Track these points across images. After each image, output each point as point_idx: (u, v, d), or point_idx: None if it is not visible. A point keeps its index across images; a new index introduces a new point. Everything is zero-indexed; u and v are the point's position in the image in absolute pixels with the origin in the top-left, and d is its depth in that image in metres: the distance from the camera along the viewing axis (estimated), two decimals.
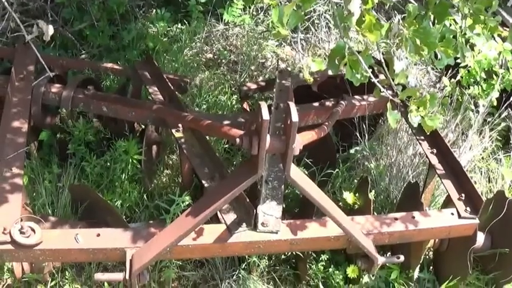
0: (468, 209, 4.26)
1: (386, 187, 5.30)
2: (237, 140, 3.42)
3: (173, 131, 4.67)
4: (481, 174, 5.71)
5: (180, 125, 4.66)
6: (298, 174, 3.67)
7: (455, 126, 5.69)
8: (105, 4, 6.86)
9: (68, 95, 4.97)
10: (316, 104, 5.18)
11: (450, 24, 3.70)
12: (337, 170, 5.32)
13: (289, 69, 6.82)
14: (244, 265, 4.70)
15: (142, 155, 4.96)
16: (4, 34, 6.15)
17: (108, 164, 5.06)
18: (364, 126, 5.34)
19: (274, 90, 5.08)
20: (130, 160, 4.97)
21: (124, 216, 4.72)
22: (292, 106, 3.26)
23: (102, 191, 4.98)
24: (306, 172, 5.03)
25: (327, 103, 5.17)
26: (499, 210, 4.42)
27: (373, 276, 4.60)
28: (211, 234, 3.87)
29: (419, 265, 4.72)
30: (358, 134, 5.42)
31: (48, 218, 4.32)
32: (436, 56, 3.64)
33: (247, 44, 7.23)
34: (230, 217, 3.97)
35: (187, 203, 4.45)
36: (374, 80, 3.54)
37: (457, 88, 5.94)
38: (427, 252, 4.84)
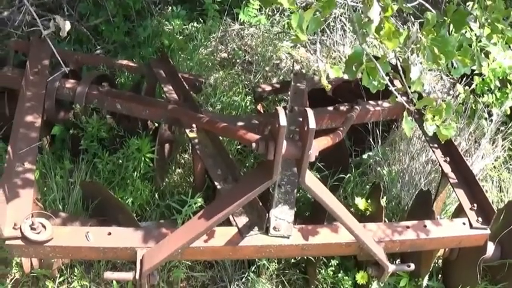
0: (480, 219, 4.23)
1: (398, 194, 5.28)
2: (253, 144, 3.41)
3: (187, 131, 4.67)
4: (493, 183, 5.70)
5: (194, 126, 4.65)
6: (312, 181, 3.66)
7: (468, 134, 5.66)
8: (121, 0, 6.85)
9: (82, 91, 4.97)
10: (330, 108, 5.17)
11: (466, 32, 3.69)
12: (349, 174, 5.31)
13: (304, 71, 6.80)
14: (253, 268, 4.70)
15: (155, 153, 4.95)
16: (20, 27, 6.14)
17: (121, 161, 5.06)
18: (377, 131, 5.32)
19: (289, 93, 5.07)
20: (143, 158, 4.97)
21: (135, 215, 4.72)
22: (310, 112, 3.25)
23: (114, 189, 4.98)
24: (318, 176, 5.01)
25: (342, 108, 5.14)
26: (510, 220, 4.42)
27: (382, 283, 4.58)
28: (222, 237, 3.86)
29: (428, 273, 4.70)
30: (371, 139, 5.40)
31: (59, 213, 4.32)
32: (452, 64, 3.62)
33: (262, 44, 7.21)
34: (242, 220, 3.96)
35: (199, 204, 4.44)
36: (391, 87, 3.53)
37: (471, 96, 5.91)
38: (436, 261, 4.82)
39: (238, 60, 7.05)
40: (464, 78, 5.89)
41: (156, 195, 5.04)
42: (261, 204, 4.02)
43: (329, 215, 3.93)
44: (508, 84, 5.96)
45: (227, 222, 3.96)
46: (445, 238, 4.22)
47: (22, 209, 3.75)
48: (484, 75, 5.93)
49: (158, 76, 5.36)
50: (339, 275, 4.67)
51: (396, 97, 3.67)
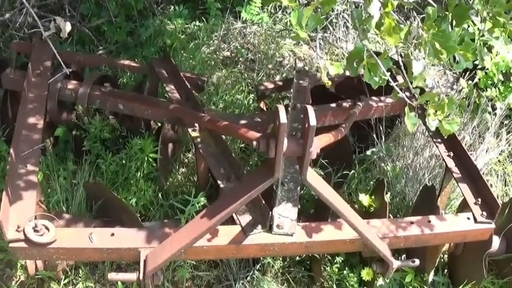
0: (484, 213, 4.21)
1: (402, 189, 5.27)
2: (254, 142, 3.40)
3: (189, 130, 4.66)
4: (497, 177, 5.68)
5: (196, 125, 4.64)
6: (314, 178, 3.64)
7: (472, 128, 5.65)
8: (123, 0, 6.85)
9: (84, 92, 4.97)
10: (333, 104, 5.14)
11: (468, 26, 3.67)
12: (353, 171, 5.31)
13: (307, 68, 6.79)
14: (258, 266, 4.69)
15: (158, 153, 4.94)
16: (21, 29, 6.14)
17: (124, 161, 5.05)
18: (380, 127, 5.31)
19: (292, 90, 5.06)
20: (146, 158, 4.96)
21: (138, 215, 4.71)
22: (310, 109, 3.23)
23: (117, 189, 4.98)
24: (322, 173, 5.00)
25: (344, 104, 5.11)
26: None
27: (387, 279, 4.57)
28: (226, 236, 3.85)
29: (434, 268, 4.70)
30: (374, 135, 5.39)
31: (63, 215, 4.32)
32: (454, 59, 3.61)
33: (264, 42, 7.21)
34: (245, 218, 3.94)
35: (202, 203, 4.44)
36: (392, 83, 3.51)
37: (475, 90, 5.90)
38: (441, 256, 4.81)
39: (240, 59, 7.05)
40: (468, 72, 5.88)
41: (160, 195, 5.04)
42: (264, 202, 4.00)
43: (333, 212, 3.92)
44: (511, 77, 5.94)
45: (230, 221, 3.96)
46: (450, 233, 4.20)
47: (25, 211, 3.74)
48: (487, 70, 5.91)
49: (160, 76, 5.35)
50: (344, 271, 4.66)
51: (398, 93, 3.66)
